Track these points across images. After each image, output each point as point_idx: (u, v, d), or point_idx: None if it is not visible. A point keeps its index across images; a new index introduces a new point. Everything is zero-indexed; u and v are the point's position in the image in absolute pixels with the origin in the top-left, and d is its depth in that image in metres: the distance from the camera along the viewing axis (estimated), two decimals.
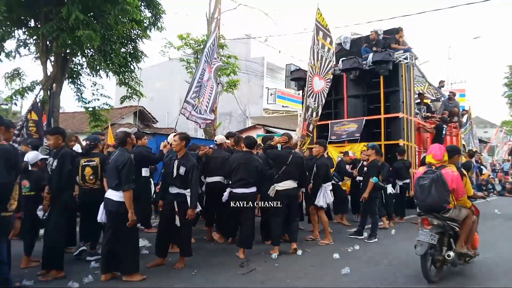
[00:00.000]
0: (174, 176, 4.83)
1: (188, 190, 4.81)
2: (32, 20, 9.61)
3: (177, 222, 4.79)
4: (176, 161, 4.90)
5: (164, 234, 4.98)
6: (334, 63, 10.52)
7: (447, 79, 28.77)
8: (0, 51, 9.36)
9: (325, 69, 10.29)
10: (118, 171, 4.26)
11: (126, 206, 4.22)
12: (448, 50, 65.37)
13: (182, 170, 4.80)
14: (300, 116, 9.05)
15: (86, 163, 5.20)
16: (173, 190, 4.88)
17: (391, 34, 10.71)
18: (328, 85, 10.41)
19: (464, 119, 14.75)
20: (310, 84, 10.01)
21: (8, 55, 9.57)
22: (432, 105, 12.74)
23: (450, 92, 13.29)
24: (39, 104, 8.85)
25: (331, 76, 10.44)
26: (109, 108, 12.70)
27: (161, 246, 4.99)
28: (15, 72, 10.10)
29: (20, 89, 9.84)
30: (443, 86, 13.80)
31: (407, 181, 8.93)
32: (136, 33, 11.03)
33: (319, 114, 10.37)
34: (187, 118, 8.23)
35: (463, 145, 14.07)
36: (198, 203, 4.93)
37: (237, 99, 20.17)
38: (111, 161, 4.41)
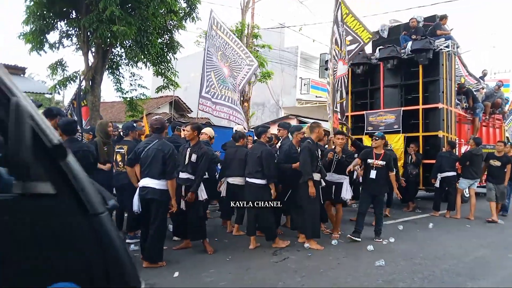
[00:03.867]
0: (186, 163, 5.03)
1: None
2: (74, 12, 9.97)
3: (182, 206, 4.94)
4: (188, 149, 5.09)
5: (177, 217, 5.21)
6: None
7: (491, 69, 27.30)
8: (43, 42, 9.75)
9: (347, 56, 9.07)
10: (164, 160, 4.37)
11: (170, 194, 4.40)
12: (492, 38, 61.76)
13: (194, 157, 4.98)
14: (329, 107, 8.49)
15: (118, 150, 5.56)
16: (183, 175, 5.05)
17: (432, 21, 10.28)
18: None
19: (506, 109, 14.03)
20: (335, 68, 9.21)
21: (52, 46, 10.00)
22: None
23: (498, 80, 12.65)
24: (81, 93, 9.23)
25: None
26: (146, 98, 13.04)
27: (175, 228, 5.38)
28: (58, 63, 10.53)
29: (63, 79, 10.30)
30: (485, 75, 13.17)
31: (450, 174, 8.50)
32: (172, 23, 11.21)
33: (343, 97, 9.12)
34: (213, 115, 8.09)
35: (507, 137, 13.41)
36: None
37: (270, 89, 20.11)
38: (151, 149, 4.45)
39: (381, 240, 5.98)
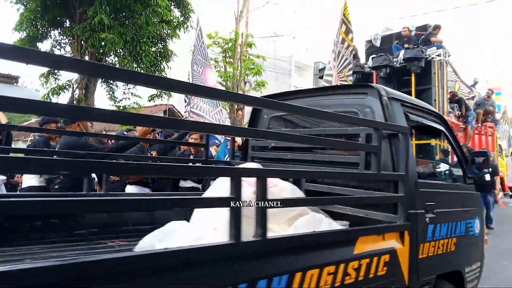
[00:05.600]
0: None
1: None
2: (67, 21, 9.98)
3: None
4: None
5: None
6: (351, 62, 9.69)
7: (483, 77, 27.64)
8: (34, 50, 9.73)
9: (341, 66, 9.53)
10: None
11: None
12: (484, 46, 62.56)
13: None
14: None
15: None
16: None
17: (424, 30, 10.41)
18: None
19: (498, 117, 14.17)
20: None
21: None
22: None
23: (488, 89, 12.81)
24: (74, 102, 9.20)
25: (346, 75, 9.55)
26: (139, 107, 13.00)
27: None
28: (50, 72, 10.48)
29: (56, 87, 10.25)
30: (476, 83, 13.33)
31: None
32: (166, 32, 11.24)
33: None
34: None
35: (499, 145, 13.52)
36: None
37: None
38: None
39: None
